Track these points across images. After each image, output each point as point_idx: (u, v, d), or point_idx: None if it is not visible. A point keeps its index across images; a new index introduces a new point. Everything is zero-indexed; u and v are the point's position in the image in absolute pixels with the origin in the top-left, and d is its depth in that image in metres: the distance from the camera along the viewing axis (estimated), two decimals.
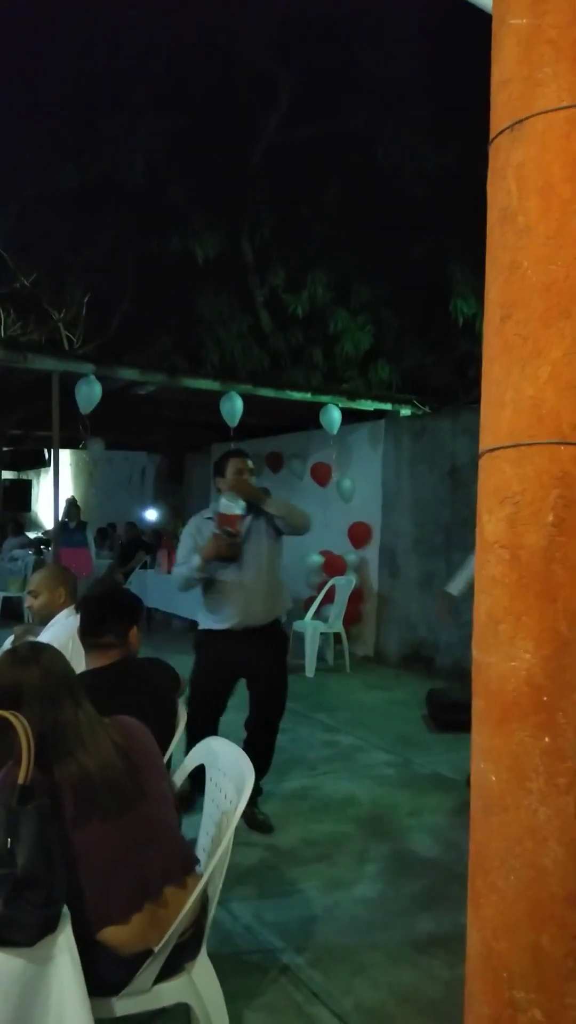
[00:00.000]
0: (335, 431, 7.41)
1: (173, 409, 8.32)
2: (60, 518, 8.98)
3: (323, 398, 7.34)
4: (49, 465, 17.97)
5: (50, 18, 7.65)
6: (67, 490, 16.54)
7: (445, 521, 7.12)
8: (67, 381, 6.22)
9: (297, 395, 7.29)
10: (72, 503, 9.47)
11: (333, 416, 7.31)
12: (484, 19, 1.53)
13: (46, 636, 3.13)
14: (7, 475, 17.75)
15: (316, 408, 7.50)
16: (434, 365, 9.80)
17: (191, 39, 7.83)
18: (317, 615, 7.40)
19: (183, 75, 8.12)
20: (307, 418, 8.48)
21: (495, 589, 1.29)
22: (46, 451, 17.44)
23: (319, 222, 8.79)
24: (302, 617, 7.42)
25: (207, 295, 9.26)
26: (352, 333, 8.90)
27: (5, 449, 14.60)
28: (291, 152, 8.59)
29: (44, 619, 3.25)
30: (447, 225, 8.22)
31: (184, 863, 1.85)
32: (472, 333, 8.65)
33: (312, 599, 7.69)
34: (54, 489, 6.51)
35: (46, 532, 13.53)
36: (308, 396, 7.32)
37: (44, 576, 3.34)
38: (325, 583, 7.66)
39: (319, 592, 7.61)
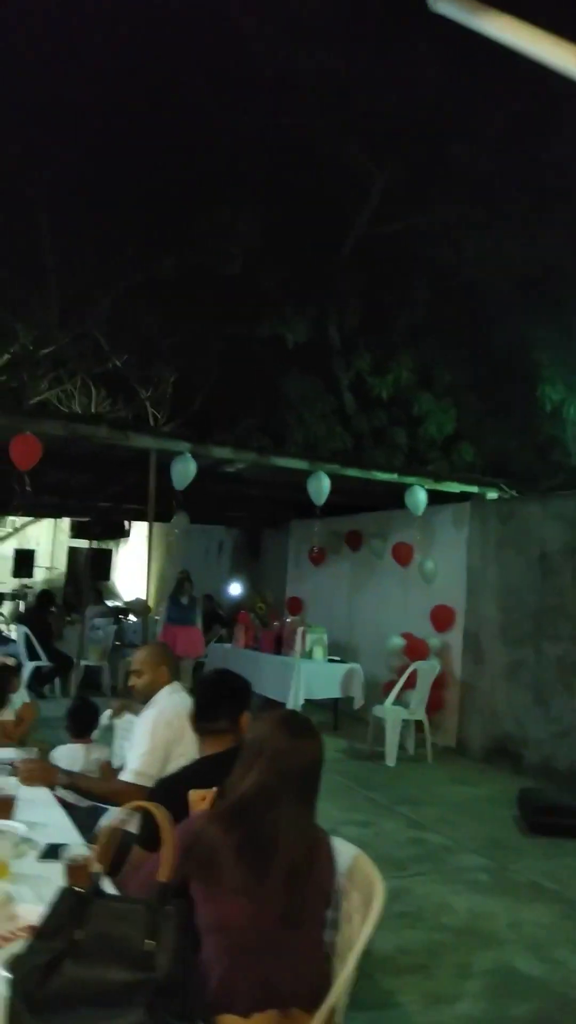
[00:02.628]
0: (420, 512, 7.38)
1: (258, 486, 8.46)
2: (171, 593, 8.83)
3: (409, 479, 7.35)
4: (128, 535, 18.44)
5: (154, 117, 8.24)
6: (143, 562, 16.85)
7: (534, 608, 6.92)
8: (159, 458, 6.40)
9: (383, 475, 7.32)
10: (185, 578, 8.98)
11: (419, 497, 7.29)
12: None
13: (150, 713, 3.13)
14: (85, 544, 18.22)
15: (397, 488, 7.50)
16: (516, 449, 9.74)
17: (290, 136, 8.29)
18: (398, 700, 7.20)
19: (280, 170, 8.57)
20: (388, 498, 8.48)
21: None
22: (125, 522, 17.92)
23: (405, 309, 9.00)
24: (382, 702, 7.23)
25: (293, 378, 9.51)
26: (436, 416, 8.95)
27: (90, 521, 15.11)
28: (380, 243, 8.91)
29: (146, 697, 3.25)
30: (533, 313, 8.31)
31: (316, 995, 1.75)
32: (559, 418, 8.60)
33: (392, 683, 7.49)
34: (147, 562, 6.66)
35: (127, 603, 13.61)
36: (394, 477, 7.34)
37: (147, 654, 3.35)
38: (406, 667, 7.46)
39: (400, 676, 7.42)
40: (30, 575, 16.27)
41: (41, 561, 17.51)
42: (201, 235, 8.73)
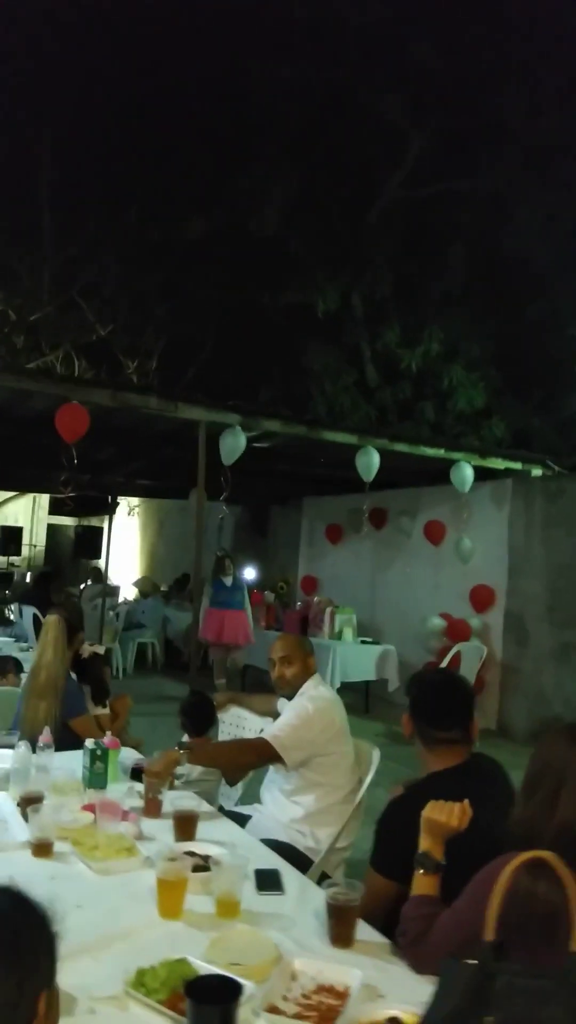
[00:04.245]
0: (467, 489, 7.13)
1: (286, 461, 8.09)
2: (211, 574, 8.12)
3: (456, 455, 7.09)
4: (114, 512, 17.85)
5: (187, 72, 7.72)
6: (134, 541, 16.32)
7: None
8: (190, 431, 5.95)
9: (431, 451, 7.05)
10: (225, 556, 8.33)
11: (466, 473, 7.05)
12: None
13: (304, 701, 2.84)
14: (69, 521, 17.64)
15: (427, 463, 7.24)
16: (540, 425, 9.55)
17: (327, 93, 7.82)
18: None
19: (315, 128, 8.11)
20: (417, 475, 8.19)
21: None
22: (109, 497, 17.30)
23: (438, 279, 8.67)
24: None
25: (315, 348, 9.14)
26: (466, 389, 8.69)
27: (72, 494, 14.52)
28: (415, 207, 8.54)
29: (294, 689, 2.95)
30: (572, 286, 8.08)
31: None
32: None
33: (432, 665, 7.29)
34: (196, 541, 6.30)
35: (133, 582, 13.03)
36: (441, 452, 7.08)
37: (294, 643, 3.07)
38: (447, 649, 7.26)
39: (441, 658, 7.21)
40: (18, 553, 15.67)
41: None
42: (233, 193, 8.22)
